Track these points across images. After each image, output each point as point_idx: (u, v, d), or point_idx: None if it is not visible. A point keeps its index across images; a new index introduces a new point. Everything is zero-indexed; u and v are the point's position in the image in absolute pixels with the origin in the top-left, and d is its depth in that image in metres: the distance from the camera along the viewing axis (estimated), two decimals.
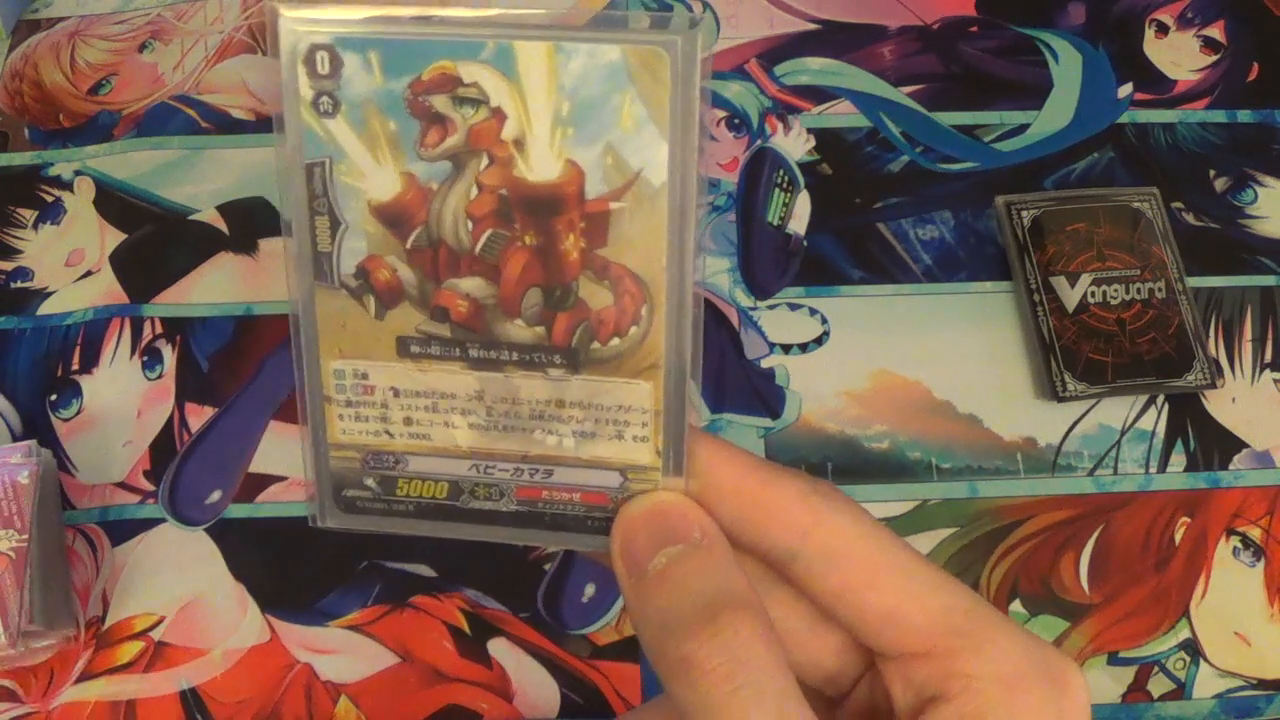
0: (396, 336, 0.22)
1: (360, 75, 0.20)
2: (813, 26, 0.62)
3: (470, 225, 0.21)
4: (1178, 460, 0.49)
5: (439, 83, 0.20)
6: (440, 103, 0.20)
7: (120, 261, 0.54)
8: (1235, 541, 0.48)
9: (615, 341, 0.22)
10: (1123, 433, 0.50)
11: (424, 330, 0.22)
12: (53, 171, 0.57)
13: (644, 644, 0.21)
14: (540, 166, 0.20)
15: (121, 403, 0.50)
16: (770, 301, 0.53)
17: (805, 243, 0.55)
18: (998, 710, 0.20)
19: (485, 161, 0.21)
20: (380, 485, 0.23)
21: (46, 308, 0.53)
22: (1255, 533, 0.48)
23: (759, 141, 0.57)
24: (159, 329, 0.52)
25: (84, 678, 0.44)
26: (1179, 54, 0.61)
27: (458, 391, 0.22)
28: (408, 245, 0.21)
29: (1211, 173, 0.57)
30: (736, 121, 0.58)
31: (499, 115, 0.20)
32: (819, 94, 0.59)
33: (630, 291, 0.21)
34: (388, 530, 0.24)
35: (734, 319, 0.53)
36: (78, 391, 0.51)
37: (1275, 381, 0.52)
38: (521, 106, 0.20)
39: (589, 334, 0.22)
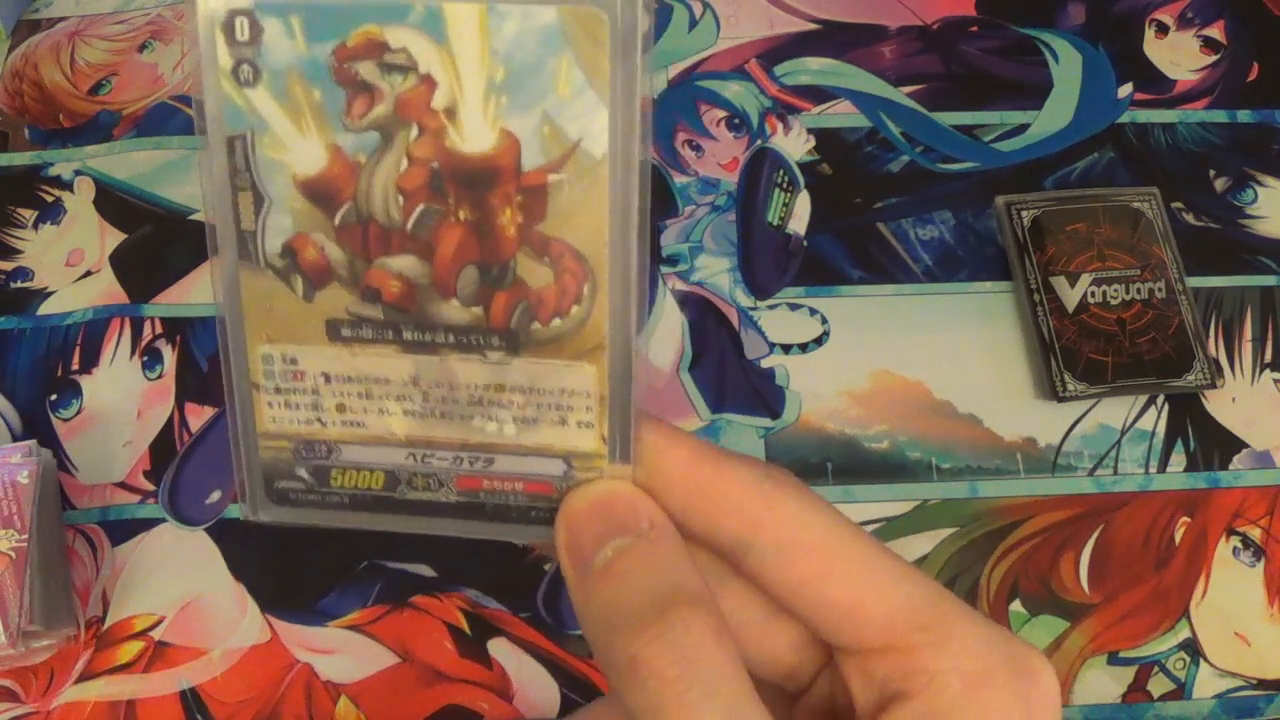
0: (326, 319, 0.21)
1: (282, 42, 0.19)
2: (813, 26, 0.62)
3: (401, 200, 0.20)
4: (1178, 460, 0.49)
5: (365, 48, 0.19)
6: (366, 70, 0.19)
7: (120, 261, 0.54)
8: (1235, 541, 0.48)
9: (556, 322, 0.20)
10: (1123, 433, 0.50)
11: (354, 312, 0.21)
12: (53, 171, 0.57)
13: (590, 642, 0.20)
14: (473, 137, 0.19)
15: (121, 403, 0.50)
16: (770, 301, 0.53)
17: (805, 243, 0.55)
18: (963, 707, 0.19)
19: (415, 132, 0.19)
20: (313, 476, 0.22)
21: (46, 308, 0.53)
22: (1255, 533, 0.48)
23: (759, 141, 0.57)
24: (159, 329, 0.52)
25: (84, 678, 0.44)
26: (1179, 54, 0.61)
27: (392, 376, 0.21)
28: (336, 222, 0.20)
29: (1211, 173, 0.57)
30: (736, 121, 0.58)
31: (428, 82, 0.19)
32: (819, 94, 0.59)
33: (571, 269, 0.20)
34: (323, 523, 0.23)
35: (734, 319, 0.53)
36: (78, 391, 0.51)
37: (1275, 381, 0.52)
38: (452, 73, 0.19)
39: (529, 314, 0.20)
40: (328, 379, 0.22)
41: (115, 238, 0.55)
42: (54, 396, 0.51)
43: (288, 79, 0.19)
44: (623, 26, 0.19)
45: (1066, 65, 0.60)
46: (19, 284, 0.54)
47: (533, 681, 0.45)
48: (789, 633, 0.22)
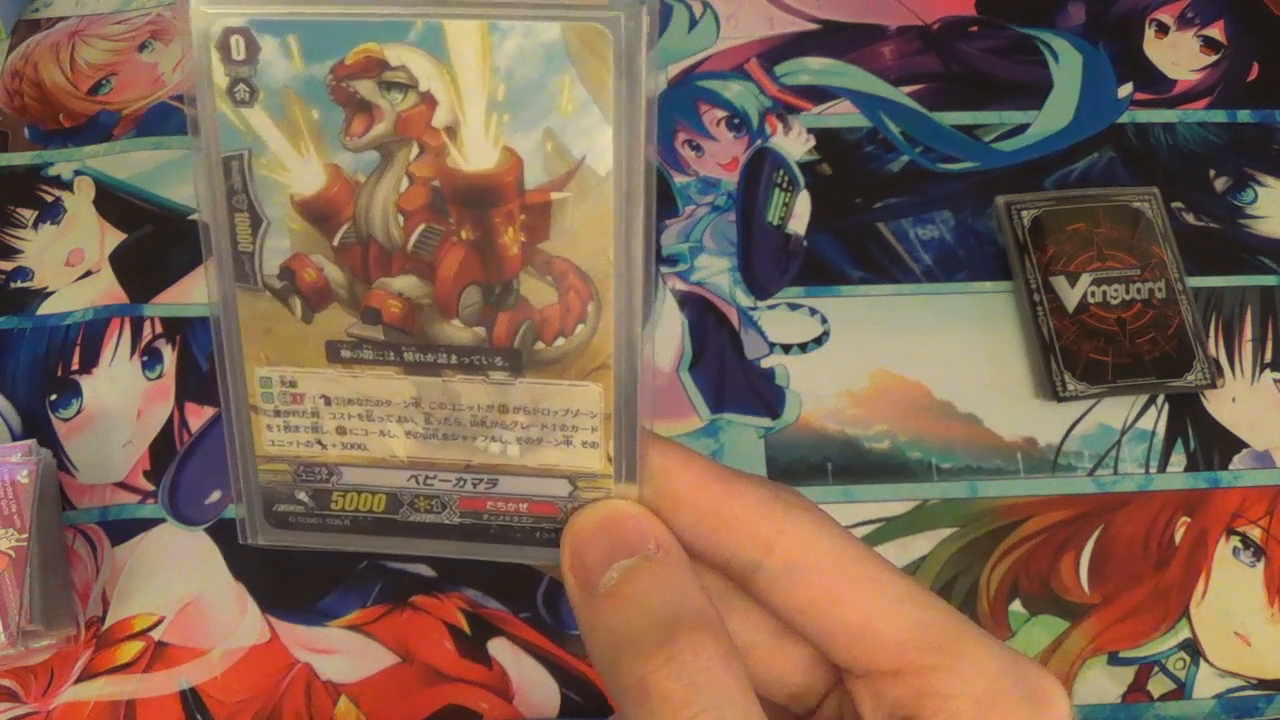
0: (326, 340, 0.21)
1: (279, 60, 0.19)
2: (813, 26, 0.62)
3: (401, 220, 0.20)
4: (1178, 460, 0.49)
5: (363, 67, 0.19)
6: (365, 88, 0.19)
7: (120, 261, 0.54)
8: (1235, 541, 0.48)
9: (561, 341, 0.20)
10: (1123, 433, 0.50)
11: (355, 333, 0.21)
12: (53, 171, 0.57)
13: (596, 664, 0.20)
14: (475, 155, 0.19)
15: (121, 403, 0.50)
16: (770, 301, 0.53)
17: (805, 243, 0.55)
18: None
19: (416, 151, 0.19)
20: (313, 499, 0.22)
21: (46, 308, 0.53)
22: (1255, 533, 0.48)
23: (759, 141, 0.57)
24: (159, 329, 0.52)
25: (84, 678, 0.44)
26: (1179, 54, 0.61)
27: (393, 398, 0.21)
28: (335, 242, 0.20)
29: (1211, 173, 0.57)
30: (736, 121, 0.58)
31: (429, 101, 0.19)
32: (819, 94, 0.59)
33: (576, 288, 0.20)
34: (323, 546, 0.22)
35: (734, 319, 0.53)
36: (78, 391, 0.51)
37: (1275, 381, 0.52)
38: (454, 91, 0.19)
39: (532, 334, 0.20)
40: (328, 401, 0.21)
41: (115, 238, 0.55)
42: (54, 396, 0.51)
43: (285, 98, 0.19)
44: (626, 42, 0.18)
45: (1067, 65, 0.60)
46: (19, 284, 0.54)
47: (533, 681, 0.45)
48: (797, 654, 0.22)
